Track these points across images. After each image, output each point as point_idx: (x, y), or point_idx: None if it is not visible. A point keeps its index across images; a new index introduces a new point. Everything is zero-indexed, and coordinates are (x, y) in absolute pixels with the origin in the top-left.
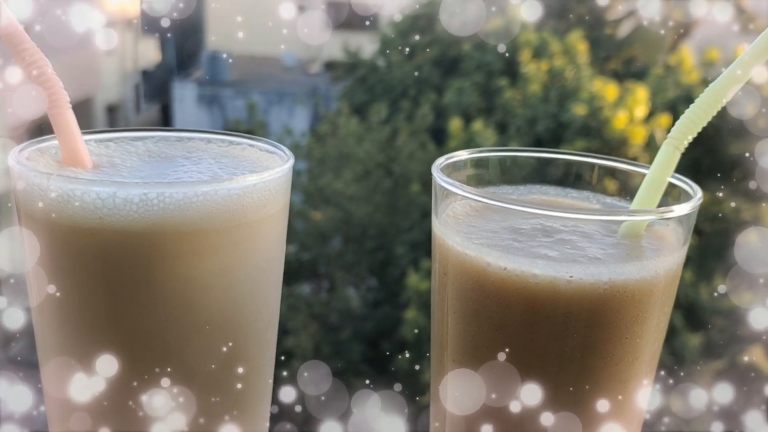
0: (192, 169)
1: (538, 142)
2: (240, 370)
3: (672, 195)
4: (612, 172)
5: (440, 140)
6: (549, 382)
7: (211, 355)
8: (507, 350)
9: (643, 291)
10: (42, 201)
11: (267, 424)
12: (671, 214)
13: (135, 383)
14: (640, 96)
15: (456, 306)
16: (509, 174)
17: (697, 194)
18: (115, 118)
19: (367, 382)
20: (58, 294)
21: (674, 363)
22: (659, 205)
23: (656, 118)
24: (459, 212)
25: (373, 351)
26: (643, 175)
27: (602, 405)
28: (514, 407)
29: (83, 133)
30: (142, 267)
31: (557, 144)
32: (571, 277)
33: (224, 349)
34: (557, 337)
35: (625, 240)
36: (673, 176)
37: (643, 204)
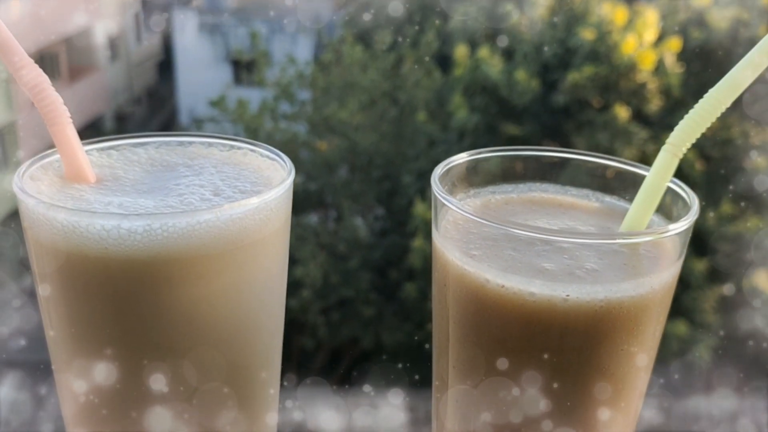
0: (194, 182)
1: (545, 68)
2: (246, 382)
3: (670, 200)
4: (611, 172)
5: (446, 67)
6: (546, 392)
7: (218, 370)
8: (505, 360)
9: (639, 306)
10: (47, 230)
11: None
12: (667, 234)
13: (145, 399)
14: (650, 19)
15: (456, 316)
16: (509, 173)
17: (694, 206)
18: (115, 47)
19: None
20: (68, 316)
21: (680, 289)
22: (658, 207)
23: (666, 41)
24: (458, 219)
25: (381, 279)
26: (642, 177)
27: (597, 413)
28: (513, 416)
29: (85, 144)
30: (148, 292)
31: (565, 69)
32: (567, 296)
33: (231, 363)
34: (554, 350)
35: (623, 248)
36: (672, 181)
37: (641, 210)
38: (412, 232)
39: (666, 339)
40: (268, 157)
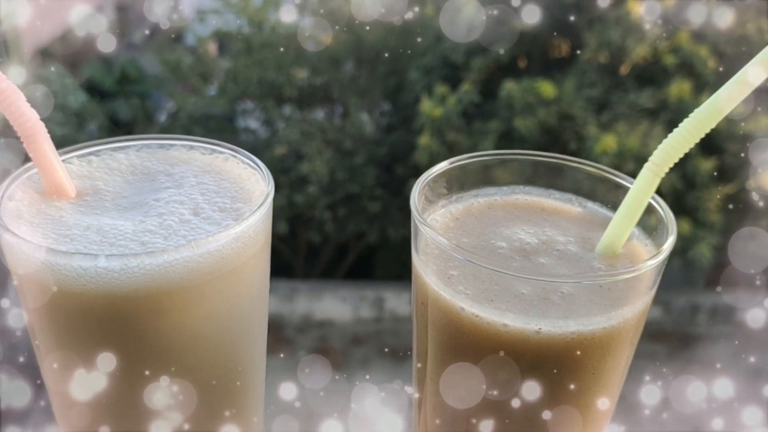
0: (174, 197)
1: None
2: (231, 404)
3: (650, 217)
4: (595, 180)
5: None
6: (519, 411)
7: (204, 390)
8: (481, 380)
9: (611, 335)
10: (26, 264)
11: None
12: (642, 270)
13: (129, 421)
14: None
15: (433, 334)
16: (492, 177)
17: (671, 234)
18: None
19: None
20: (51, 342)
21: (685, 187)
22: (639, 222)
23: None
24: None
25: (387, 175)
26: (625, 188)
27: (569, 428)
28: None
29: (65, 151)
30: (128, 323)
31: None
32: (539, 329)
33: (215, 386)
34: (527, 374)
35: (602, 262)
36: (653, 198)
37: (621, 226)
38: (419, 128)
39: None
40: (249, 165)
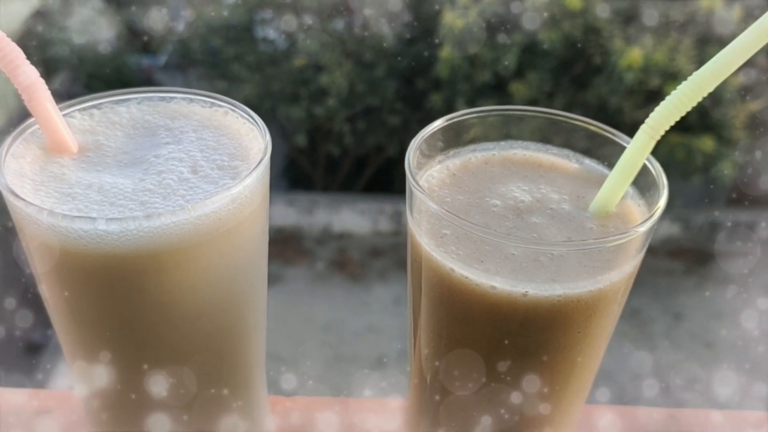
0: (173, 154)
1: None
2: (232, 350)
3: (644, 178)
4: (592, 137)
5: None
6: (508, 367)
7: (205, 339)
8: (470, 339)
9: (598, 298)
10: (30, 224)
11: (267, 408)
12: (632, 236)
13: (134, 374)
14: None
15: (426, 291)
16: (490, 131)
17: (663, 197)
18: None
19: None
20: (58, 298)
21: (711, 103)
22: (634, 181)
23: None
24: (433, 184)
25: (407, 88)
26: (621, 146)
27: (555, 382)
28: (477, 388)
29: (66, 106)
30: (130, 281)
31: None
32: (526, 292)
33: (217, 338)
34: (515, 333)
35: (594, 222)
36: (647, 160)
37: (615, 187)
38: (440, 41)
39: (691, 154)
40: (248, 120)
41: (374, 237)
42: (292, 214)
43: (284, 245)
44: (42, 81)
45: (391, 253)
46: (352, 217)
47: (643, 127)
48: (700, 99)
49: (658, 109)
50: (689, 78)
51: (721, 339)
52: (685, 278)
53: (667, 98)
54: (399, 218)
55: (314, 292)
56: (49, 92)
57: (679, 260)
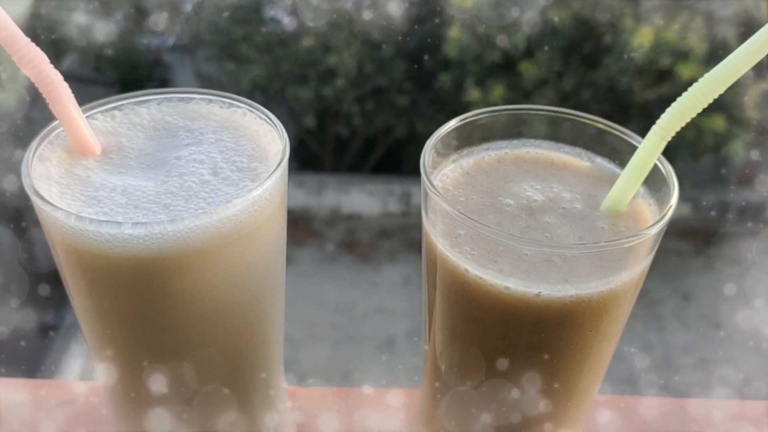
0: (194, 156)
1: None
2: (252, 346)
3: (655, 177)
4: (604, 136)
5: None
6: (521, 365)
7: (226, 339)
8: (483, 337)
9: (609, 298)
10: (56, 227)
11: (286, 401)
12: (642, 238)
13: (157, 370)
14: None
15: (441, 290)
16: (503, 130)
17: (674, 196)
18: None
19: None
20: (83, 297)
21: None
22: (645, 181)
23: None
24: (448, 183)
25: (416, 68)
26: (633, 146)
27: (566, 378)
28: (491, 382)
29: (89, 108)
30: (153, 281)
31: None
32: (539, 293)
33: (236, 333)
34: (528, 332)
35: (605, 221)
36: (659, 160)
37: (626, 187)
38: (449, 21)
39: (701, 134)
40: (266, 121)
41: (383, 218)
42: (301, 195)
43: (293, 226)
44: (66, 85)
45: (400, 234)
46: (361, 198)
47: (654, 128)
48: (710, 101)
49: (669, 110)
50: (700, 80)
51: (730, 320)
52: (695, 259)
53: (678, 100)
54: (408, 199)
55: (324, 273)
56: (72, 96)
57: (689, 241)
